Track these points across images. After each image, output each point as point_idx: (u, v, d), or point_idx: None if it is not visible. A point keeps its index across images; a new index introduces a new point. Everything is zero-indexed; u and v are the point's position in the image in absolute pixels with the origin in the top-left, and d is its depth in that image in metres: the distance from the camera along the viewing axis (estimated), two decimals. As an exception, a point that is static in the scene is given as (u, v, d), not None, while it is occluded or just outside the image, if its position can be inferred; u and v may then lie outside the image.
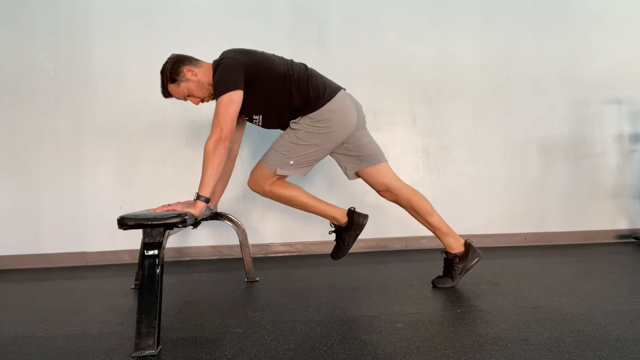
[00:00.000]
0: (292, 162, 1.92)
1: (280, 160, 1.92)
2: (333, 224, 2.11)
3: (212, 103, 3.03)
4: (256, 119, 1.95)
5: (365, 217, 2.08)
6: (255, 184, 2.00)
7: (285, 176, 2.01)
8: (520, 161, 3.21)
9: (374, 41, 3.15)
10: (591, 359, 1.22)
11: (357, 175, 2.07)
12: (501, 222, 3.18)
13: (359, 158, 2.02)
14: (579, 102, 3.25)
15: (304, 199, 2.03)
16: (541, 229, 3.21)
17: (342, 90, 1.95)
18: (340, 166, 2.07)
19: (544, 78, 3.23)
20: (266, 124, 1.97)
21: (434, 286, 2.06)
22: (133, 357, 1.35)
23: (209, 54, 2.89)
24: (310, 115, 1.87)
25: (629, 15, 3.29)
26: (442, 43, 3.18)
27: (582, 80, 3.25)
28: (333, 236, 2.14)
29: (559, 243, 3.20)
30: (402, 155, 3.12)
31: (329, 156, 2.08)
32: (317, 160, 1.98)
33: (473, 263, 2.04)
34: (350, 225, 2.06)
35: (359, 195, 3.07)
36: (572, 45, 3.25)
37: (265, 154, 1.97)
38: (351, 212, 2.07)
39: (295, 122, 1.91)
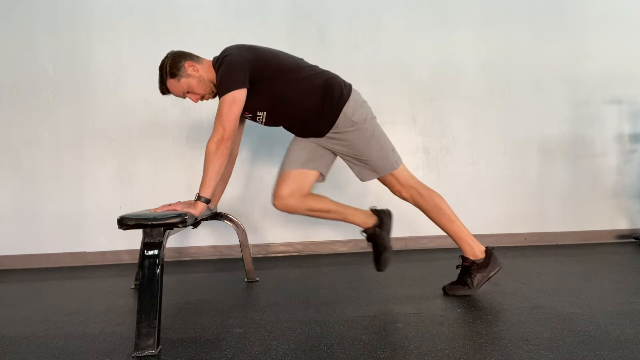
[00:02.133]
0: (392, 149, 1.94)
1: (385, 155, 1.91)
2: None
3: (211, 102, 3.03)
4: (260, 116, 1.88)
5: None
6: (402, 190, 1.96)
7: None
8: (521, 161, 3.21)
9: (373, 41, 3.15)
10: (591, 359, 1.22)
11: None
12: (501, 222, 3.18)
13: None
14: (579, 102, 3.25)
15: (446, 208, 1.97)
16: (541, 229, 3.21)
17: None
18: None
19: (544, 78, 3.23)
20: (269, 121, 1.91)
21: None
22: (133, 357, 1.35)
23: (208, 54, 2.90)
24: (347, 106, 1.84)
25: (628, 15, 3.29)
26: (442, 43, 3.18)
27: (582, 80, 3.25)
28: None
29: (559, 243, 3.20)
30: (402, 155, 3.11)
31: (337, 161, 2.05)
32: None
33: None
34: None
35: (359, 197, 3.08)
36: (572, 45, 3.25)
37: (374, 169, 1.93)
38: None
39: (346, 128, 1.86)
